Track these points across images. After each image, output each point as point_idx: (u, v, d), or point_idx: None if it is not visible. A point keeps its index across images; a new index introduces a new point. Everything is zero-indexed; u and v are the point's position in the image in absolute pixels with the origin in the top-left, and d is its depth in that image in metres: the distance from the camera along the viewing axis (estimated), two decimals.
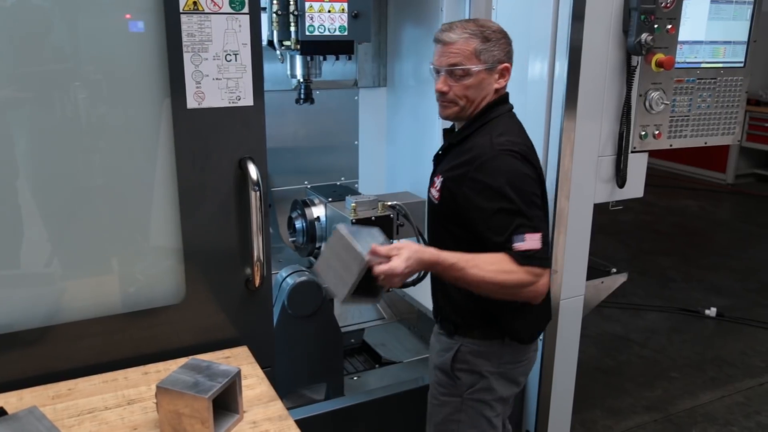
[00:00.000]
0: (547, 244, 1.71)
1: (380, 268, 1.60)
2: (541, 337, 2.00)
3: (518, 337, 1.89)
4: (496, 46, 1.79)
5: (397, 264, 1.60)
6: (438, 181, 1.88)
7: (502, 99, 1.88)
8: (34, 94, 1.60)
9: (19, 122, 1.62)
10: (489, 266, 1.65)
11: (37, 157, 1.66)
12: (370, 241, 1.65)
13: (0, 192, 1.62)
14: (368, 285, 1.64)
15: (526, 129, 1.92)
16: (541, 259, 1.68)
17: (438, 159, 1.97)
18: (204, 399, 1.41)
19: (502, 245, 1.68)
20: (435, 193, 1.89)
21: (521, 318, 1.87)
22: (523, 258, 1.65)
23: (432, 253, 1.68)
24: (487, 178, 1.72)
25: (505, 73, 1.84)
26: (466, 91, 1.81)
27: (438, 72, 1.83)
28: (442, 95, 1.84)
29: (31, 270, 1.71)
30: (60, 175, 1.67)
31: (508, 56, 1.84)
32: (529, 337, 1.93)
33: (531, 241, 1.66)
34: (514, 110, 1.93)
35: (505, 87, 1.88)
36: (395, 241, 1.76)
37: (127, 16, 1.64)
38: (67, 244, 1.72)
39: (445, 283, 1.79)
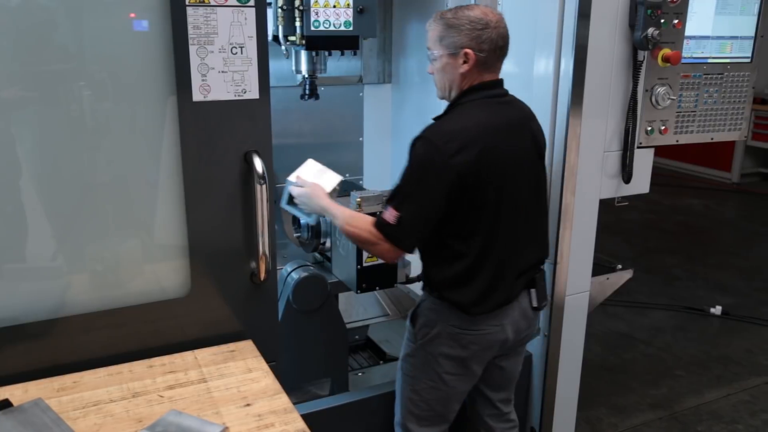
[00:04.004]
0: (404, 225, 1.87)
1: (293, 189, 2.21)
2: (502, 319, 2.03)
3: (458, 306, 1.99)
4: (461, 32, 1.86)
5: (298, 191, 2.19)
6: None
7: (479, 86, 1.92)
8: (40, 92, 1.60)
9: (26, 120, 1.62)
10: (350, 220, 1.99)
11: (43, 154, 1.65)
12: (319, 177, 2.24)
13: (9, 188, 1.62)
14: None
15: None
16: (388, 229, 1.88)
17: None
18: None
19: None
20: None
21: (457, 289, 1.98)
22: (377, 222, 1.91)
23: (325, 202, 2.09)
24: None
25: (467, 58, 1.88)
26: (436, 74, 1.97)
27: None
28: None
29: (38, 263, 1.71)
30: (66, 170, 1.67)
31: (477, 42, 1.86)
32: (469, 309, 1.99)
33: (388, 214, 1.87)
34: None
35: (473, 72, 1.89)
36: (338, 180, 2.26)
37: (132, 15, 1.64)
38: (73, 238, 1.72)
39: (424, 247, 2.02)
